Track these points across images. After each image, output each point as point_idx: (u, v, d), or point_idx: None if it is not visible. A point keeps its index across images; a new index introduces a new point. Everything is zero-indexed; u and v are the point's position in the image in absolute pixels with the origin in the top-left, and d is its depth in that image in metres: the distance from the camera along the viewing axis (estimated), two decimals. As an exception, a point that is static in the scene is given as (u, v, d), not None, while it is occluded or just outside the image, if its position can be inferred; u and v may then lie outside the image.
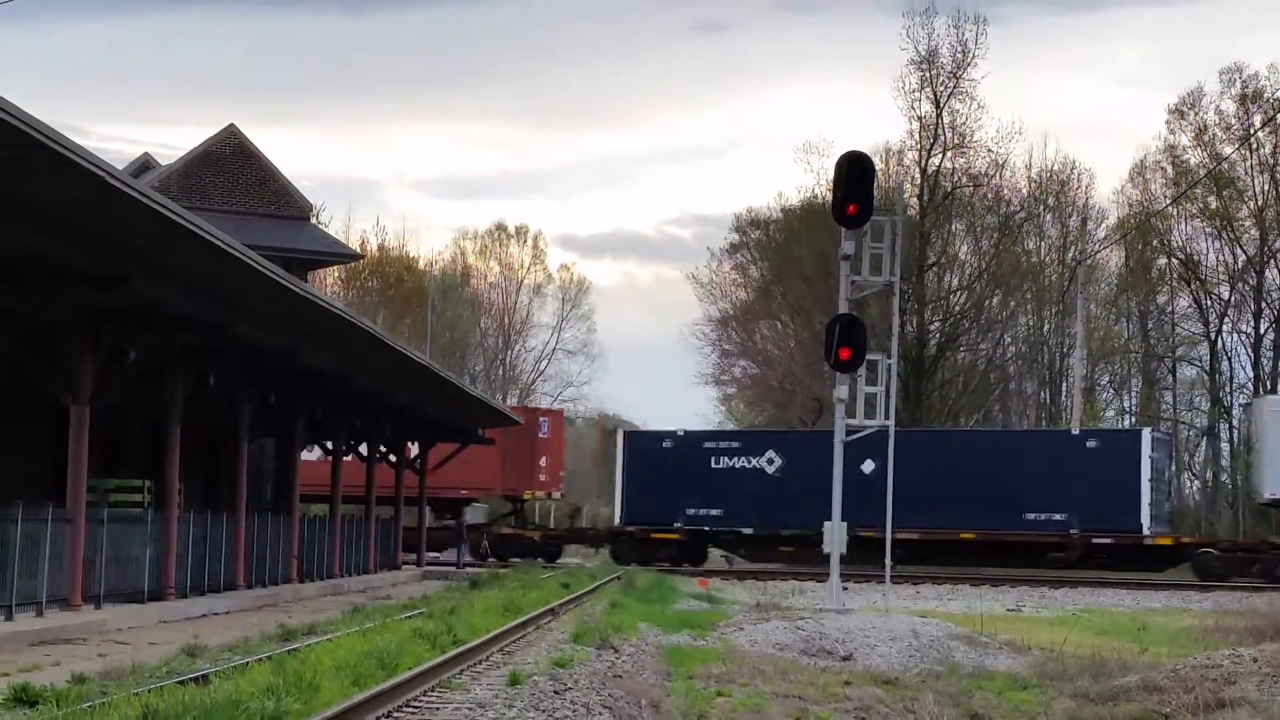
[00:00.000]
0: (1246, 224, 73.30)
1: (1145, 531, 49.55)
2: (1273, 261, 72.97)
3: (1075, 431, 54.94)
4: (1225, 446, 72.34)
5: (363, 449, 44.40)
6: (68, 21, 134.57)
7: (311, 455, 42.80)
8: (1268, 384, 72.04)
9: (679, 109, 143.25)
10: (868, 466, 48.11)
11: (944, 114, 70.55)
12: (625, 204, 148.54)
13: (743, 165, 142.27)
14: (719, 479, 53.56)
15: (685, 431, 57.19)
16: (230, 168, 46.16)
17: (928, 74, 70.54)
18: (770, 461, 53.61)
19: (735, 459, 54.01)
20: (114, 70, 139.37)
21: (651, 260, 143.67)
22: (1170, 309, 77.42)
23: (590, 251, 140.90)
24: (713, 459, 53.99)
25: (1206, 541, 51.57)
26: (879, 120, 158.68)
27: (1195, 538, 52.82)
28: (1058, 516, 50.35)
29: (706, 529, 53.94)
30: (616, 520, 55.13)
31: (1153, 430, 54.33)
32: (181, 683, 14.72)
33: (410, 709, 14.49)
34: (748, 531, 53.36)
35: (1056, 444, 54.26)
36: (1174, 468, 60.79)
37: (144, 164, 51.59)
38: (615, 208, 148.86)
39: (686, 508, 53.41)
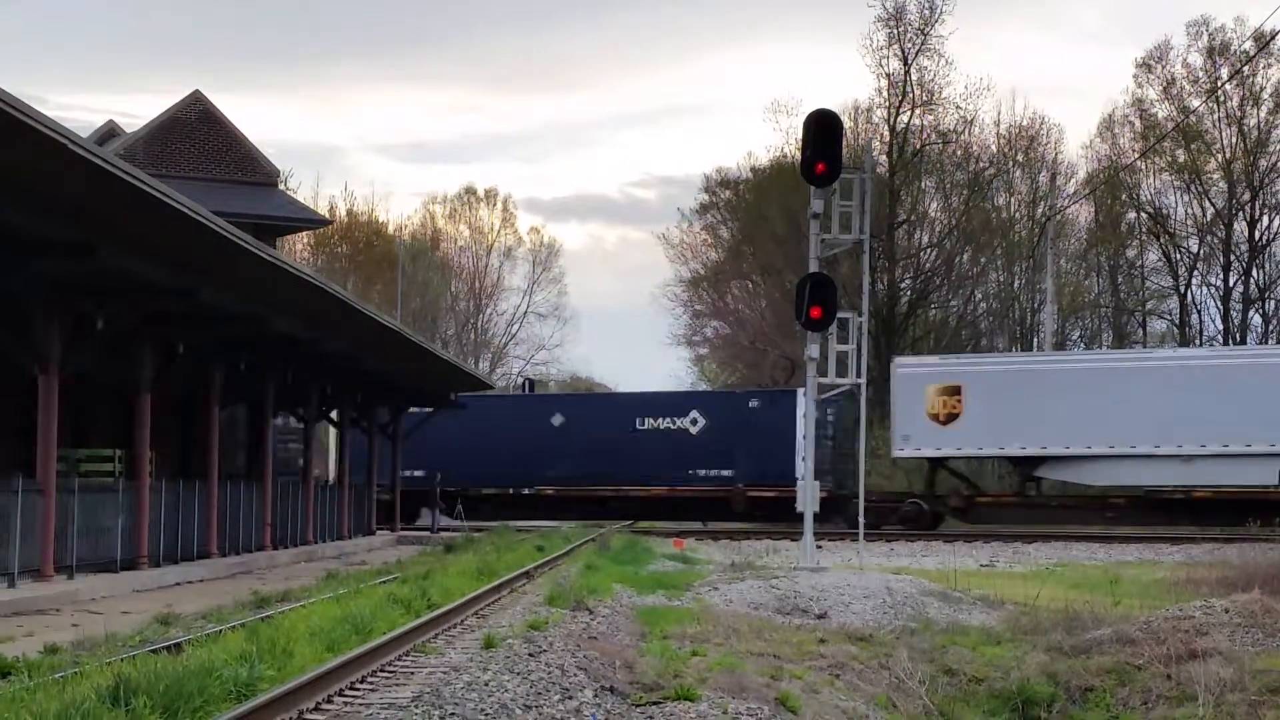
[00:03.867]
0: (1215, 177, 73.58)
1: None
2: (1241, 214, 73.26)
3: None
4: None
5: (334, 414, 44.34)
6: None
7: None
8: (1236, 336, 72.36)
9: (644, 70, 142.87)
10: (557, 420, 54.09)
11: (912, 71, 70.63)
12: (589, 166, 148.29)
13: (707, 126, 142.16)
14: None
15: None
16: (196, 134, 45.86)
17: (895, 31, 70.60)
18: None
19: None
20: (72, 38, 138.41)
21: (617, 222, 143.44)
22: (1140, 263, 77.75)
23: (556, 215, 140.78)
24: None
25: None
26: (848, 78, 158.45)
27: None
28: (725, 473, 53.35)
29: None
30: None
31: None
32: (155, 651, 14.65)
33: (385, 673, 14.45)
34: None
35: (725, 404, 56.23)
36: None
37: (109, 131, 51.22)
38: (579, 170, 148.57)
39: None
